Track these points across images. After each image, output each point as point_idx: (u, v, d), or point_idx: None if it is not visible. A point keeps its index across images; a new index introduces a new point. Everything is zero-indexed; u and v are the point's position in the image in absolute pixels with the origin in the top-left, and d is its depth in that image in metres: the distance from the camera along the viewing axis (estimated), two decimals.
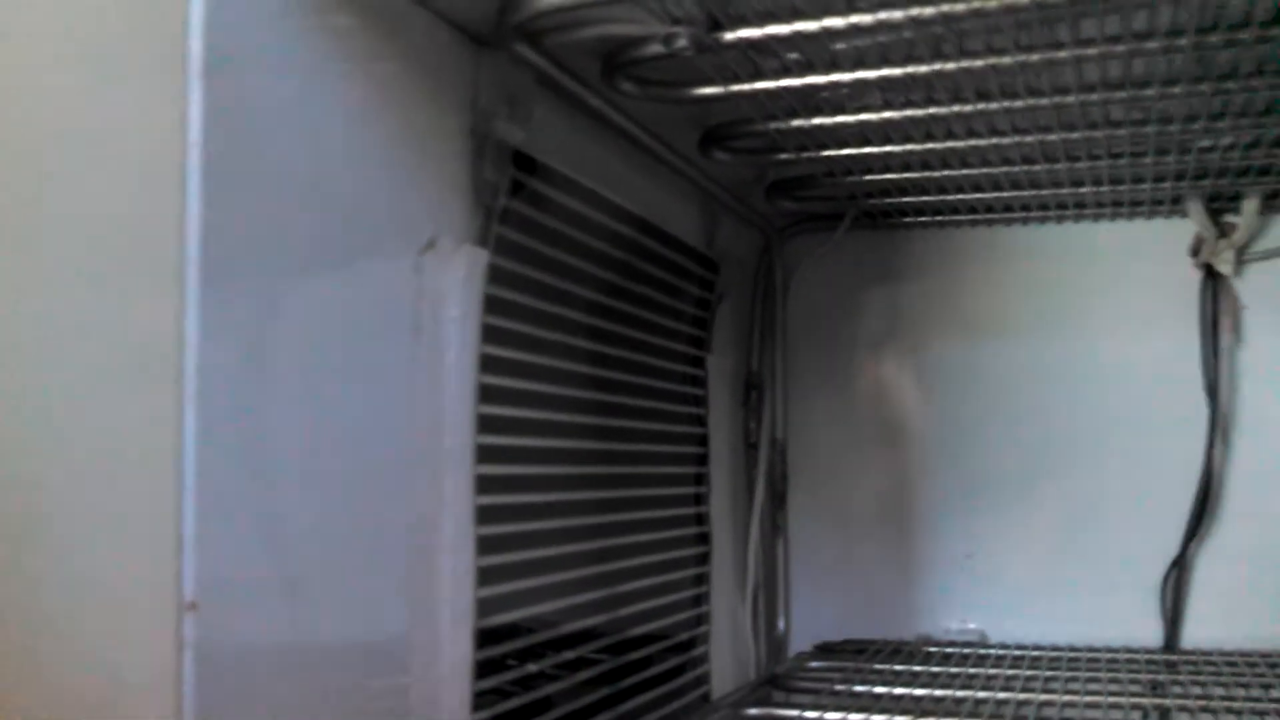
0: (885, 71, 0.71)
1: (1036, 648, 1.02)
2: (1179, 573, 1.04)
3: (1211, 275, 1.05)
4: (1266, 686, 0.86)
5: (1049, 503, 1.08)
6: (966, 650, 1.01)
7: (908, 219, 1.11)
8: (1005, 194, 1.01)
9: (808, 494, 1.14)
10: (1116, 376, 1.07)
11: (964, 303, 1.12)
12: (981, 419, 1.10)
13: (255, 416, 0.47)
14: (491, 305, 0.67)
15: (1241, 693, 0.84)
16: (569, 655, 0.77)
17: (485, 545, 0.66)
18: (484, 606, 0.66)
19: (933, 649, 1.01)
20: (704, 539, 1.00)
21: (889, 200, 1.04)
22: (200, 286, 0.44)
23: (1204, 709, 0.79)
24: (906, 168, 0.95)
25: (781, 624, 1.11)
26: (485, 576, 0.66)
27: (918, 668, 0.93)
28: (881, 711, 0.79)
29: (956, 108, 0.78)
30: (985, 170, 0.94)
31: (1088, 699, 0.83)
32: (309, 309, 0.51)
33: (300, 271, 0.51)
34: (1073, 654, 0.99)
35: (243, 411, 0.47)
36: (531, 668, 0.72)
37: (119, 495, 0.44)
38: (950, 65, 0.70)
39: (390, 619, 0.58)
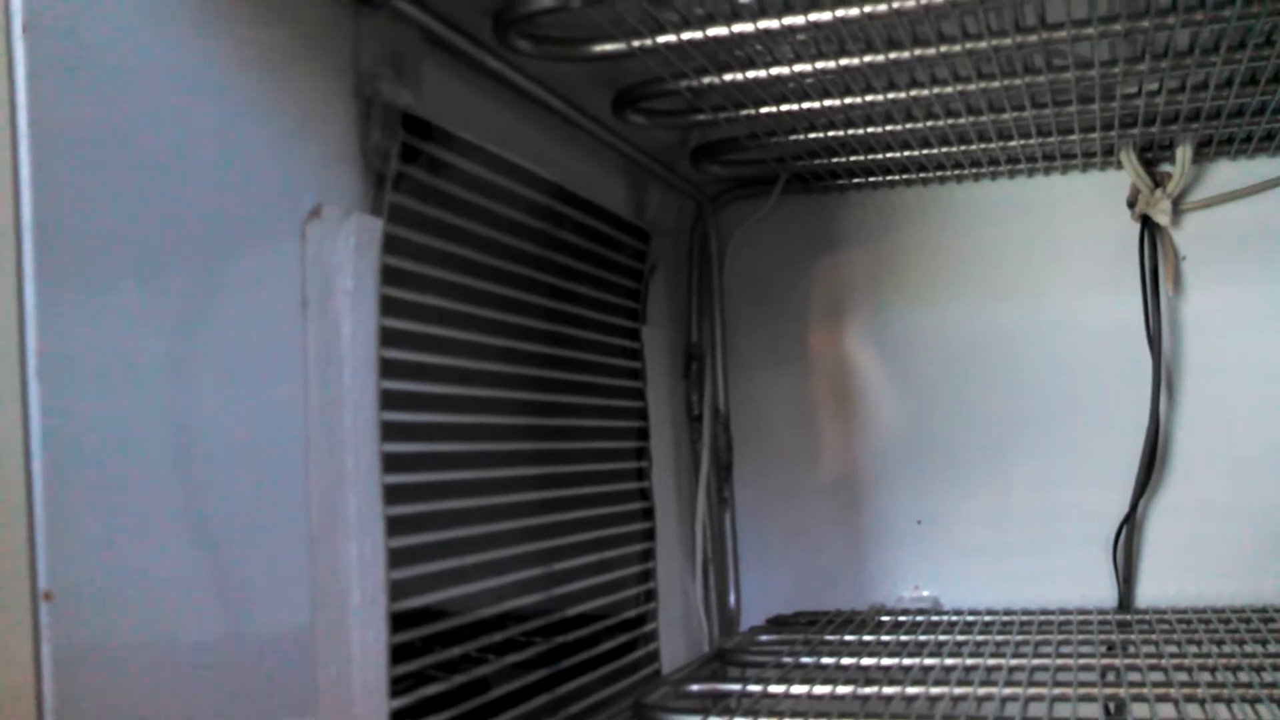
0: (789, 20, 0.69)
1: (990, 612, 1.01)
2: (1130, 530, 1.02)
3: (1149, 226, 1.04)
4: (1218, 643, 0.85)
5: (999, 466, 1.07)
6: (919, 618, 0.99)
7: (840, 181, 1.09)
8: (935, 151, 1.00)
9: (754, 466, 1.12)
10: (1061, 334, 1.06)
11: (904, 266, 1.10)
12: (926, 383, 1.09)
13: (115, 401, 0.45)
14: (397, 278, 0.65)
15: (1194, 650, 0.82)
16: (504, 636, 0.75)
17: (402, 525, 0.64)
18: (405, 588, 0.64)
19: (885, 618, 1.00)
20: (648, 514, 0.98)
21: (819, 162, 1.03)
22: (39, 266, 0.42)
23: (1154, 668, 0.78)
24: (831, 126, 0.93)
25: (733, 598, 1.09)
26: (406, 557, 0.64)
27: (869, 637, 0.91)
28: (827, 682, 0.77)
29: (868, 58, 0.76)
30: (910, 126, 0.92)
31: (1037, 661, 0.81)
32: (174, 286, 0.49)
33: (161, 247, 0.48)
34: (1026, 617, 0.98)
35: (100, 398, 0.44)
36: (458, 650, 0.70)
37: None
38: (855, 10, 0.68)
39: (291, 605, 0.55)
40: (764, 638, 0.95)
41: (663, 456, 1.03)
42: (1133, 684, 0.74)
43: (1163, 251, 1.04)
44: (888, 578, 1.08)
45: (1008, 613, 1.00)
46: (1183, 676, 0.75)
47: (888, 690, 0.75)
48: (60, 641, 0.41)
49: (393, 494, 0.63)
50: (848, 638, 0.91)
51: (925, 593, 1.07)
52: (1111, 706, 0.69)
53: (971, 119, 0.91)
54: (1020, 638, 0.89)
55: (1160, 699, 0.70)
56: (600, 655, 0.87)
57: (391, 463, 0.63)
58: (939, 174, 1.08)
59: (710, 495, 1.07)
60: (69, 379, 0.43)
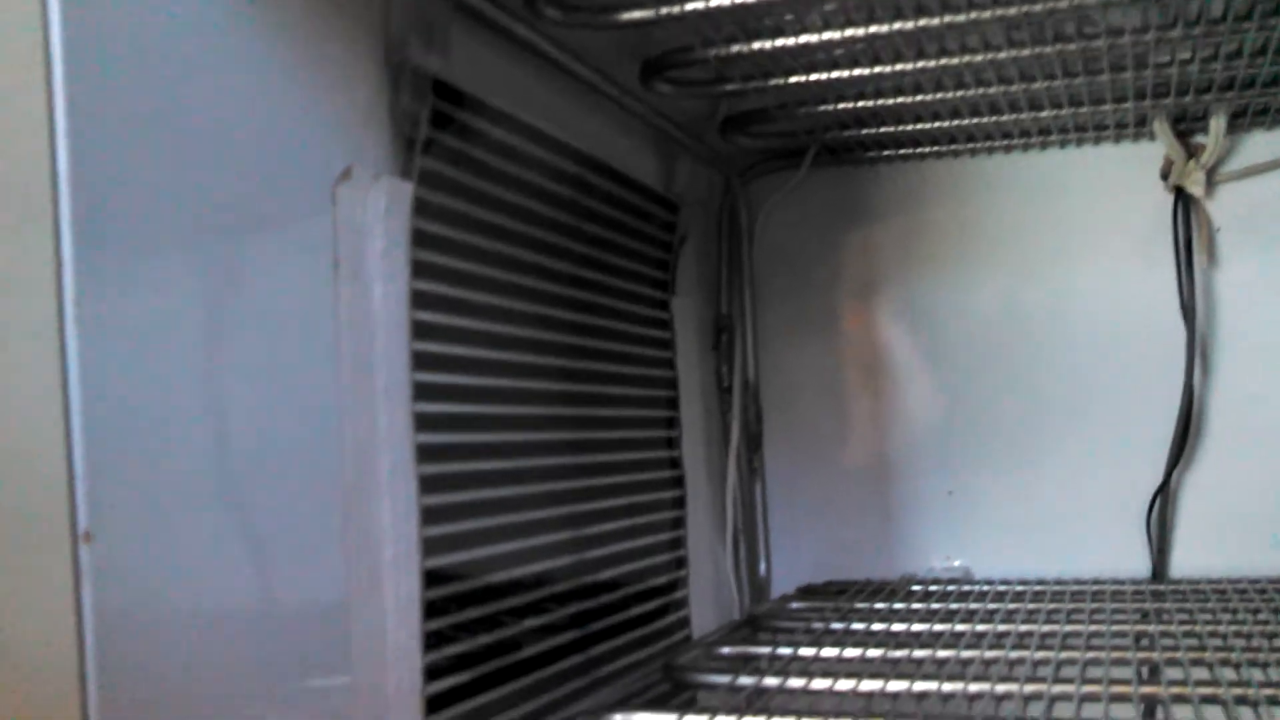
0: None
1: (1022, 582, 1.01)
2: (1164, 501, 1.02)
3: (1183, 198, 1.03)
4: (1254, 611, 0.84)
5: (1030, 436, 1.06)
6: (950, 588, 0.99)
7: (871, 154, 1.09)
8: (966, 121, 0.99)
9: (784, 436, 1.12)
10: (1093, 306, 1.06)
11: (934, 239, 1.10)
12: (957, 354, 1.09)
13: (151, 355, 0.46)
14: (427, 241, 0.66)
15: (1228, 617, 0.82)
16: (535, 597, 0.76)
17: (434, 484, 0.65)
18: (436, 546, 0.65)
19: (916, 588, 1.00)
20: (678, 482, 0.98)
21: (849, 133, 1.03)
22: (77, 230, 0.43)
23: (1189, 634, 0.77)
24: (860, 96, 0.93)
25: (763, 567, 1.09)
26: (437, 515, 0.65)
27: (899, 605, 0.92)
28: (857, 645, 0.78)
29: (898, 25, 0.76)
30: (940, 96, 0.92)
31: (1070, 627, 0.81)
32: (208, 246, 0.50)
33: (195, 209, 0.49)
34: (1058, 587, 0.98)
35: (137, 352, 0.45)
36: (490, 609, 0.71)
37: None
38: None
39: (324, 560, 0.56)
40: (794, 605, 0.95)
41: (692, 427, 1.03)
42: (1166, 648, 0.74)
43: (1196, 223, 1.03)
44: (918, 548, 1.08)
45: (1040, 582, 1.00)
46: (1217, 642, 0.75)
47: (919, 653, 0.75)
48: (99, 582, 0.42)
49: (425, 454, 0.64)
50: (878, 605, 0.92)
51: (956, 563, 1.07)
52: (1145, 670, 0.69)
53: (1002, 88, 0.91)
54: (1053, 606, 0.89)
55: (1195, 663, 0.70)
56: (631, 620, 0.88)
57: (423, 422, 0.64)
58: (970, 146, 1.08)
59: (740, 466, 1.08)
60: (106, 336, 0.44)
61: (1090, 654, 0.73)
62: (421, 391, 0.64)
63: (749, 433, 1.10)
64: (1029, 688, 0.65)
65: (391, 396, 0.62)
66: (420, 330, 0.64)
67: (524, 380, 0.77)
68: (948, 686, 0.67)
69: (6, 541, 0.42)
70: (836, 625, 0.86)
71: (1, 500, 0.42)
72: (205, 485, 0.49)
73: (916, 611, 0.89)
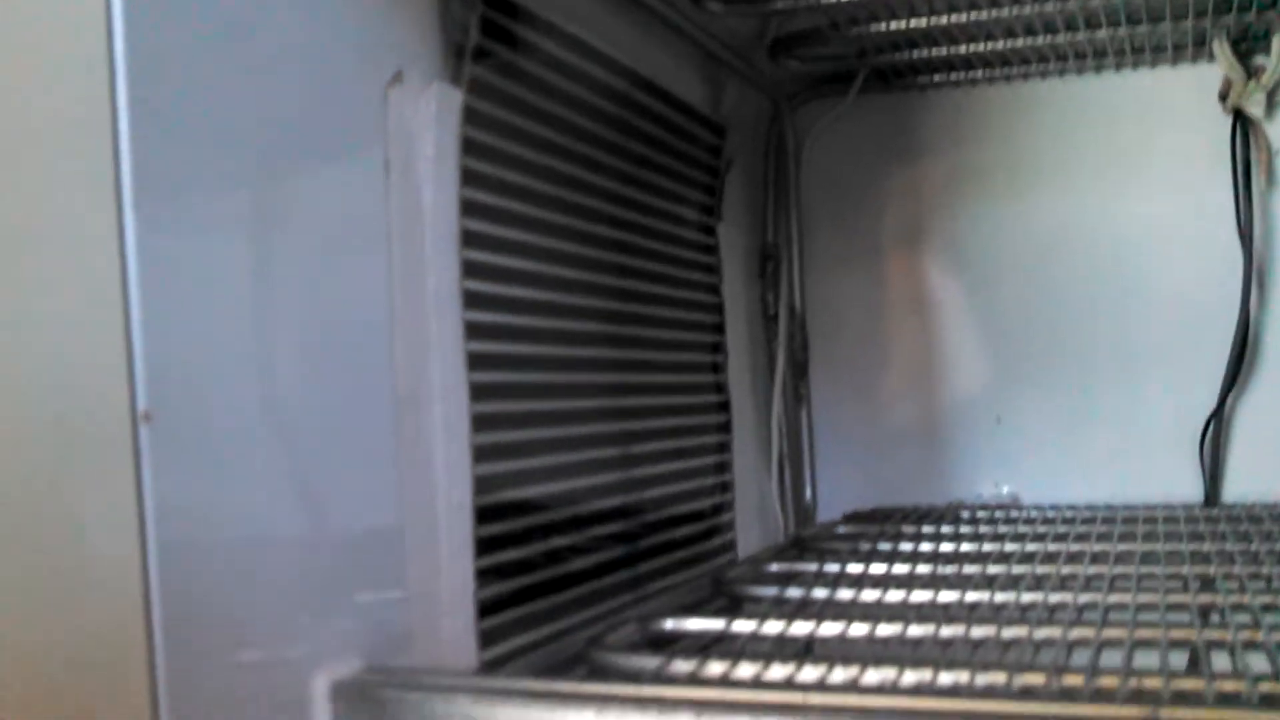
0: None
1: (1071, 508, 1.00)
2: (1218, 426, 1.01)
3: (1241, 120, 1.01)
4: None
5: (1081, 362, 1.05)
6: (999, 514, 0.99)
7: (921, 78, 1.07)
8: (1019, 42, 0.98)
9: (830, 365, 1.12)
10: (1148, 230, 1.04)
11: (984, 165, 1.09)
12: (1006, 280, 1.07)
13: (205, 251, 0.46)
14: (476, 150, 0.65)
15: None
16: (583, 515, 0.76)
17: (480, 393, 0.65)
18: (486, 452, 0.65)
19: (964, 513, 0.99)
20: (724, 407, 0.98)
21: (899, 55, 1.01)
22: (134, 134, 0.43)
23: (1244, 553, 0.77)
24: (912, 13, 0.92)
25: (809, 494, 1.09)
26: (484, 424, 0.66)
27: (947, 528, 0.91)
28: (905, 562, 0.78)
29: None
30: (994, 14, 0.91)
31: (1122, 546, 0.81)
32: (264, 146, 0.50)
33: (252, 112, 0.49)
34: (1109, 512, 0.97)
35: (190, 249, 0.46)
36: (539, 519, 0.72)
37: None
38: None
39: (377, 464, 0.57)
40: (841, 529, 0.95)
41: (738, 355, 1.03)
42: (1223, 561, 0.73)
43: (1255, 145, 1.01)
44: (966, 476, 1.07)
45: (1090, 508, 0.99)
46: (1273, 558, 0.74)
47: (969, 569, 0.75)
48: (159, 463, 0.42)
49: (474, 364, 0.65)
50: (926, 528, 0.91)
51: (1005, 490, 1.06)
52: (1199, 584, 0.69)
53: (1058, 4, 0.89)
54: (1104, 529, 0.88)
55: (1252, 576, 0.69)
56: (678, 540, 0.88)
57: (472, 331, 0.64)
58: (1023, 69, 1.06)
59: (785, 393, 1.08)
60: (163, 235, 0.44)
61: (1144, 568, 0.72)
62: (471, 300, 0.65)
63: (794, 361, 1.09)
64: (1084, 597, 0.65)
65: (442, 302, 0.62)
66: (468, 239, 0.64)
67: (570, 296, 0.77)
68: (1000, 597, 0.67)
69: (68, 424, 0.42)
70: (884, 546, 0.86)
71: (63, 380, 0.43)
72: (255, 385, 0.49)
73: (965, 534, 0.88)
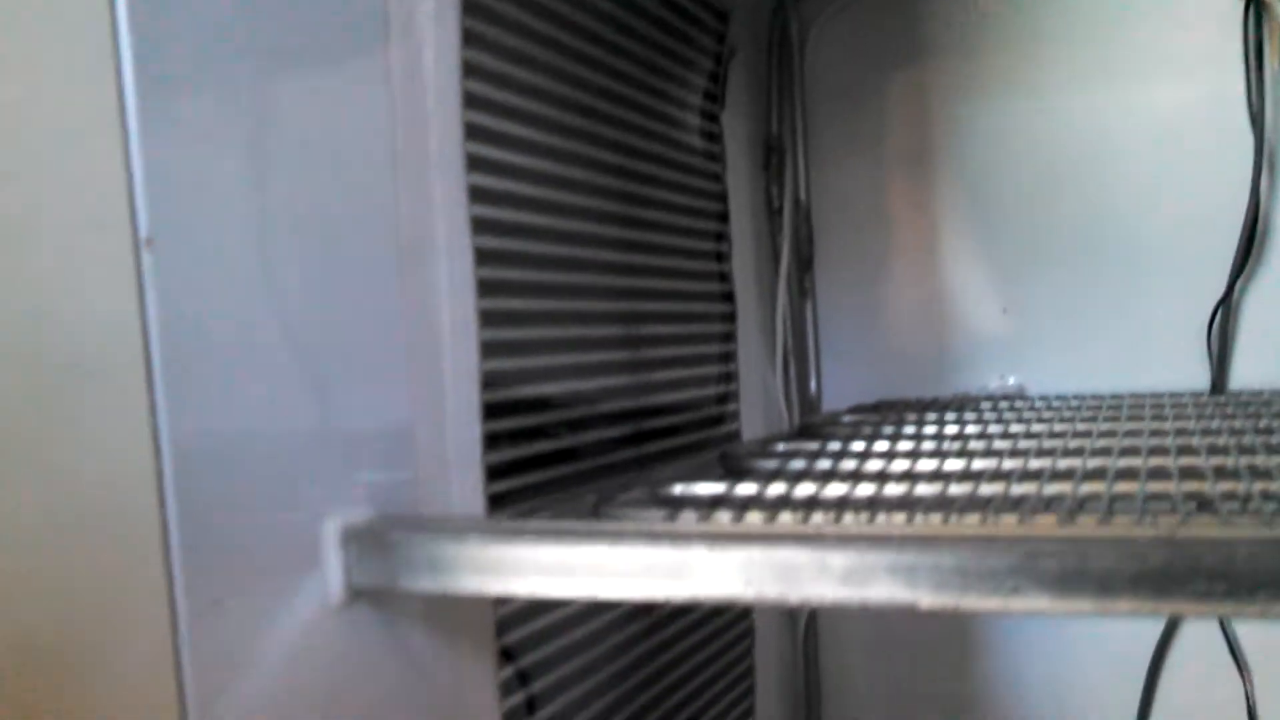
0: None
1: (1078, 397, 0.99)
2: (1226, 313, 1.00)
3: (1253, 0, 0.99)
4: None
5: (1088, 252, 1.04)
6: (1004, 404, 0.98)
7: None
8: None
9: (836, 258, 1.11)
10: (1155, 114, 1.02)
11: (992, 53, 1.07)
12: (1012, 170, 1.06)
13: (204, 112, 0.45)
14: (475, 40, 0.64)
15: None
16: (587, 399, 0.76)
17: (488, 290, 0.65)
18: (489, 351, 0.65)
19: (970, 403, 0.99)
20: (728, 297, 0.97)
21: None
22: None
23: (1257, 428, 0.76)
24: None
25: (813, 386, 1.09)
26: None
27: (952, 415, 0.91)
28: (910, 441, 0.77)
29: None
30: None
31: (1130, 425, 0.80)
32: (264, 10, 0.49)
33: None
34: (1115, 399, 0.96)
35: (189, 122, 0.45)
36: (543, 392, 0.71)
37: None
38: None
39: (382, 321, 0.56)
40: (847, 418, 0.94)
41: (743, 249, 1.02)
42: (1233, 434, 0.73)
43: (1268, 26, 0.99)
44: (972, 368, 1.07)
45: (1097, 396, 0.99)
46: None
47: (974, 445, 0.74)
48: (162, 289, 0.42)
49: (481, 258, 0.64)
50: (930, 416, 0.91)
51: (1011, 380, 1.06)
52: (1210, 450, 0.68)
53: None
54: (1111, 413, 0.88)
55: (1265, 446, 0.69)
56: (683, 425, 0.88)
57: (477, 195, 0.63)
58: None
59: (790, 287, 1.07)
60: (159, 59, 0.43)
61: (1153, 440, 0.72)
62: (473, 163, 0.64)
63: (800, 254, 1.08)
64: (1093, 461, 0.64)
65: (445, 164, 0.61)
66: (469, 100, 0.63)
67: (571, 195, 0.76)
68: (1008, 464, 0.67)
69: (72, 246, 0.41)
70: (888, 429, 0.85)
71: (65, 208, 0.42)
72: (256, 242, 0.48)
73: (971, 419, 0.88)
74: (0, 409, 0.43)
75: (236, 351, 0.46)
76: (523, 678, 0.68)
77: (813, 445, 0.79)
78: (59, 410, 0.42)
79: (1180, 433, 0.76)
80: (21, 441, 0.42)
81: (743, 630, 0.99)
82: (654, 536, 0.44)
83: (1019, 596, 0.39)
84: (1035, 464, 0.66)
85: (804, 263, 1.09)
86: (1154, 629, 1.03)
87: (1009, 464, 0.67)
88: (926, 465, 0.68)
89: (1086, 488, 0.57)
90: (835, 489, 0.60)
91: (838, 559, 0.42)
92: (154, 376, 0.42)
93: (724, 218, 0.98)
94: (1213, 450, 0.68)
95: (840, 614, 1.13)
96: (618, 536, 0.44)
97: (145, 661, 0.42)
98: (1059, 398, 1.00)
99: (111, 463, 0.43)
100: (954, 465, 0.68)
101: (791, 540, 0.42)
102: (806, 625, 1.11)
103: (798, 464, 0.71)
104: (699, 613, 0.91)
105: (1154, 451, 0.68)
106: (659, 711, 0.85)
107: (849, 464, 0.70)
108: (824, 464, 0.70)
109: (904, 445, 0.76)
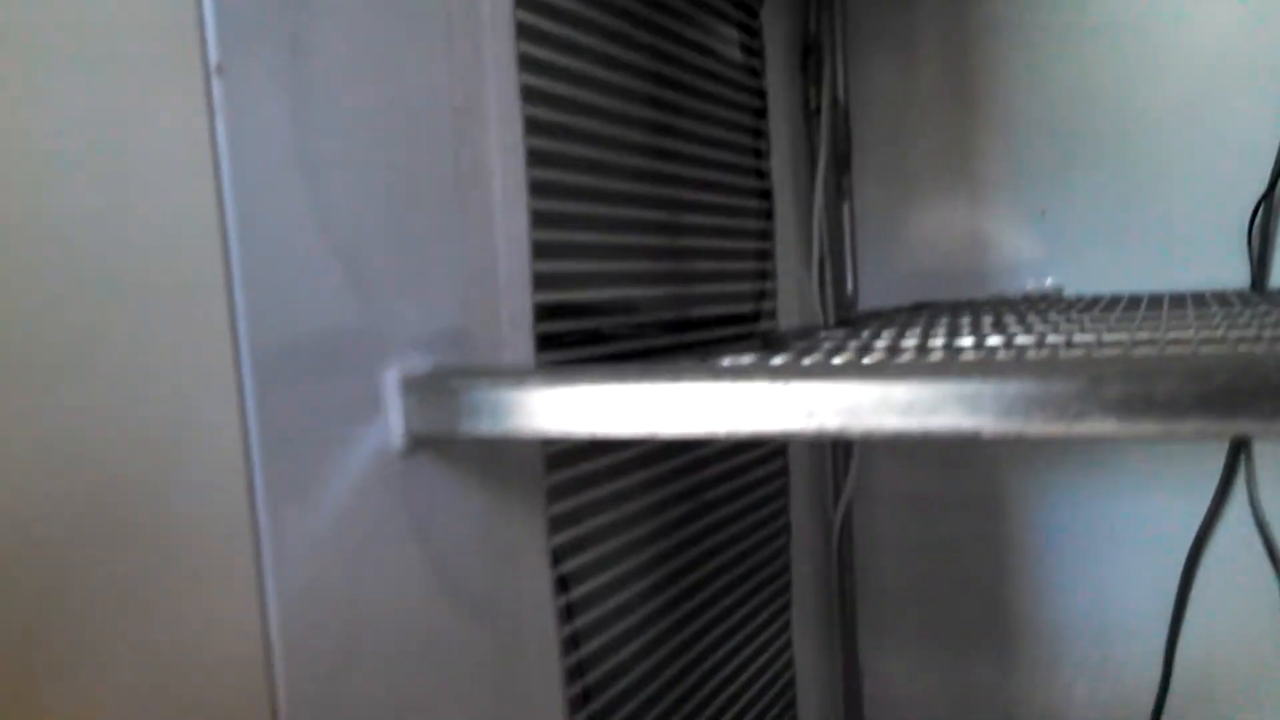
0: None
1: (1115, 296, 0.99)
2: (1268, 210, 0.99)
3: None
4: None
5: (1126, 152, 1.03)
6: (1043, 303, 0.98)
7: None
8: None
9: (873, 159, 1.10)
10: (1198, 14, 1.01)
11: None
12: (1051, 71, 1.05)
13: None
14: None
15: None
16: (629, 297, 0.76)
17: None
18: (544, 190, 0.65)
19: (1008, 303, 0.99)
20: (766, 195, 0.97)
21: None
22: None
23: None
24: None
25: (850, 286, 1.09)
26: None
27: (990, 312, 0.91)
28: (948, 333, 0.77)
29: None
30: None
31: (1174, 315, 0.80)
32: None
33: None
34: (1154, 297, 0.96)
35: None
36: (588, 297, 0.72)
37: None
38: None
39: (436, 182, 0.56)
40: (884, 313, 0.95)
41: (780, 149, 1.02)
42: (1273, 324, 0.72)
43: None
44: (1010, 269, 1.06)
45: (1135, 295, 0.98)
46: None
47: (1015, 330, 0.74)
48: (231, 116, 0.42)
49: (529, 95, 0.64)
50: (967, 314, 0.91)
51: (1049, 281, 1.05)
52: (1258, 326, 0.68)
53: None
54: (1152, 308, 0.88)
55: None
56: (723, 318, 0.88)
57: (527, 64, 0.63)
58: None
59: (828, 188, 1.06)
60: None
61: (1200, 325, 0.72)
62: (523, 31, 0.64)
63: (837, 153, 1.08)
64: (1142, 333, 0.65)
65: (497, 28, 0.61)
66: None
67: (608, 98, 0.75)
68: (1052, 338, 0.67)
69: (142, 75, 0.42)
70: (926, 322, 0.85)
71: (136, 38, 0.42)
72: (320, 94, 0.49)
73: (1009, 316, 0.88)
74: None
75: (305, 217, 0.46)
76: (570, 518, 0.70)
77: (851, 332, 0.79)
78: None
79: (1227, 320, 0.76)
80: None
81: (779, 527, 1.00)
82: (717, 372, 0.44)
83: (1084, 421, 0.40)
84: (1080, 338, 0.66)
85: (841, 163, 1.08)
86: (1194, 517, 1.03)
87: (1053, 338, 0.67)
88: (964, 342, 0.68)
89: (1140, 352, 0.57)
90: (878, 354, 0.61)
91: (900, 391, 0.42)
92: (229, 245, 0.43)
93: (762, 114, 0.98)
94: (1264, 326, 0.68)
95: (873, 515, 1.14)
96: (678, 373, 0.45)
97: (220, 494, 0.43)
98: (1098, 296, 1.00)
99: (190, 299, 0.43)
100: (993, 342, 0.68)
101: (854, 372, 0.43)
102: (841, 528, 1.12)
103: (835, 342, 0.71)
104: (738, 505, 0.92)
105: (1202, 330, 0.68)
106: (699, 574, 0.86)
107: (886, 342, 0.70)
108: (862, 341, 0.70)
109: (942, 332, 0.76)
